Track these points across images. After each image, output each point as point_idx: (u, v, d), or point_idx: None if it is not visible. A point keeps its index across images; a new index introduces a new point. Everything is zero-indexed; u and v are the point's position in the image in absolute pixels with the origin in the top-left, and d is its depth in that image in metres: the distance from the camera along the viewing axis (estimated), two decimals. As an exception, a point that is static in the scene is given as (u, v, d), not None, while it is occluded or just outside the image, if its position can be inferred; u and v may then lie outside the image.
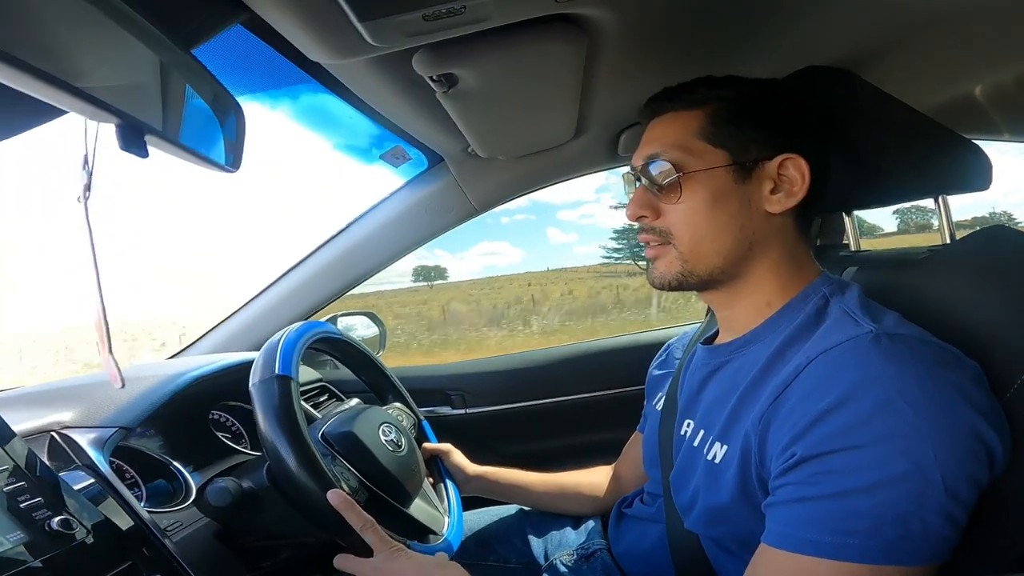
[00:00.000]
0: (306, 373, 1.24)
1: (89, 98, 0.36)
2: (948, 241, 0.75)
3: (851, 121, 0.73)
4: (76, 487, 0.62)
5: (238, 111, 0.56)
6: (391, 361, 1.17)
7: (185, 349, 1.32)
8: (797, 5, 0.72)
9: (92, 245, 0.44)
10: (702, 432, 0.65)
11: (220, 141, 0.55)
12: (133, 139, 0.41)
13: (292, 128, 0.96)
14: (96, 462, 0.68)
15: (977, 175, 0.73)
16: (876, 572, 0.46)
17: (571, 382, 1.39)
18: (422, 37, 0.57)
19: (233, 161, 0.57)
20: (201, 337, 1.31)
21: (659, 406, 0.82)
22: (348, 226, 1.27)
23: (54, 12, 0.34)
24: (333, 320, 1.42)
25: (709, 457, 0.61)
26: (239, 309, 1.31)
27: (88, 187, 0.43)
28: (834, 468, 0.48)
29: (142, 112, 0.41)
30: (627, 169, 0.73)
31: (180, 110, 0.46)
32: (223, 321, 1.31)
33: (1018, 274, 0.56)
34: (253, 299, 1.31)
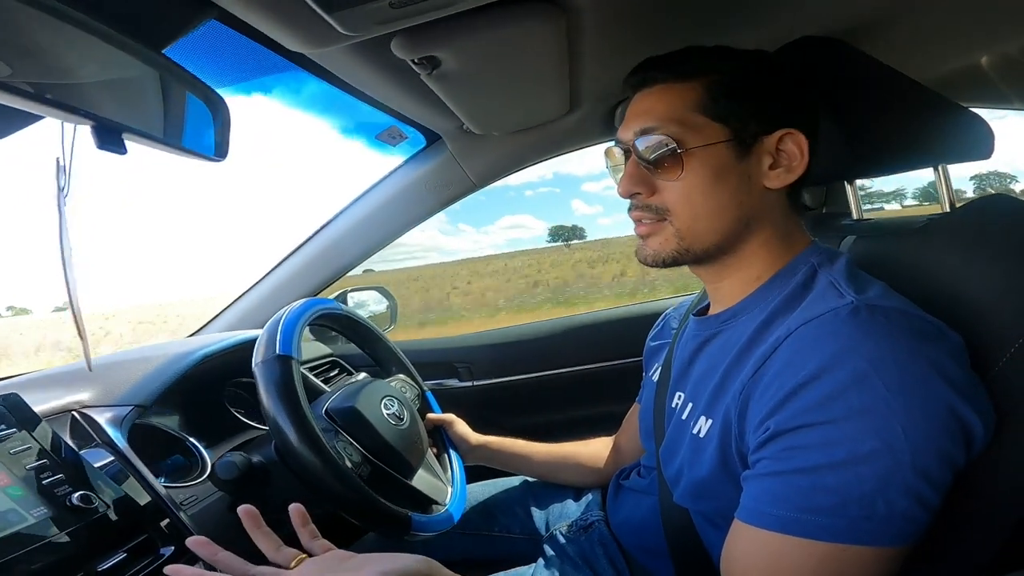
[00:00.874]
0: (316, 349, 1.28)
1: (59, 103, 0.38)
2: (948, 210, 0.74)
3: (846, 91, 0.71)
4: (97, 464, 0.65)
5: (219, 103, 0.58)
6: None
7: (202, 328, 1.37)
8: None
9: (62, 240, 0.47)
10: (690, 405, 0.65)
11: (202, 132, 0.57)
12: (109, 138, 0.43)
13: (285, 115, 0.97)
14: (114, 439, 0.71)
15: (978, 144, 0.71)
16: (841, 551, 0.46)
17: (577, 353, 1.40)
18: (394, 23, 0.57)
19: (218, 151, 0.59)
20: (217, 316, 1.37)
21: (655, 377, 0.82)
22: (351, 204, 1.29)
23: (19, 24, 0.36)
24: (343, 296, 1.45)
25: (695, 431, 0.61)
26: (251, 288, 1.36)
27: (65, 187, 0.45)
28: (805, 443, 0.47)
29: (115, 112, 0.43)
30: (611, 144, 0.70)
31: (156, 107, 0.48)
32: (236, 299, 1.36)
33: (1014, 244, 0.55)
34: (264, 277, 1.35)
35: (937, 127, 0.70)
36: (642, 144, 0.61)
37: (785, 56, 0.75)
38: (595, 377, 1.39)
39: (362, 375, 1.07)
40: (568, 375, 1.40)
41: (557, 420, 1.42)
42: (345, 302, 1.46)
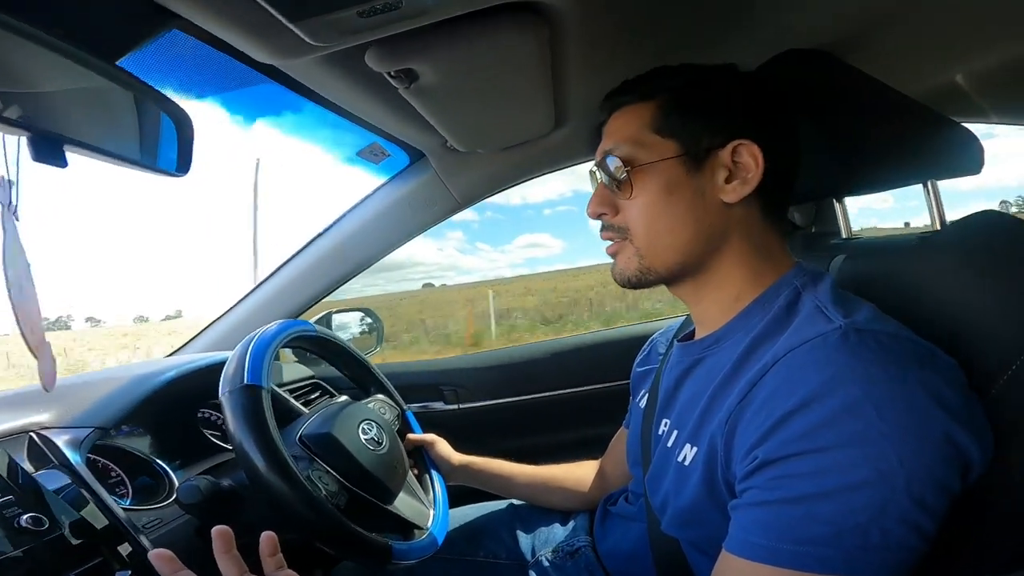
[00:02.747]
0: (298, 371, 1.25)
1: None
2: (939, 227, 0.72)
3: (834, 105, 0.71)
4: (53, 486, 0.64)
5: (181, 115, 0.55)
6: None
7: (181, 348, 1.34)
8: None
9: (12, 258, 0.44)
10: (676, 432, 0.64)
11: (162, 146, 0.54)
12: (47, 150, 0.40)
13: (261, 129, 0.95)
14: (72, 461, 0.70)
15: (967, 159, 0.71)
16: None
17: (564, 376, 1.39)
18: (365, 34, 0.56)
19: (180, 166, 0.57)
20: (195, 336, 1.33)
21: (642, 404, 0.80)
22: (335, 223, 1.27)
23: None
24: (328, 316, 1.43)
25: (679, 459, 0.60)
26: (231, 308, 1.33)
27: (16, 203, 0.42)
28: (796, 472, 0.46)
29: (56, 123, 0.40)
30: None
31: (108, 119, 0.45)
32: (216, 320, 1.33)
33: (1009, 262, 0.53)
34: (244, 298, 1.32)
35: (926, 142, 0.70)
36: (606, 165, 0.62)
37: (771, 69, 0.75)
38: (581, 400, 1.38)
39: (343, 397, 1.05)
40: (554, 398, 1.39)
41: (544, 443, 1.41)
42: (330, 323, 1.44)
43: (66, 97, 0.41)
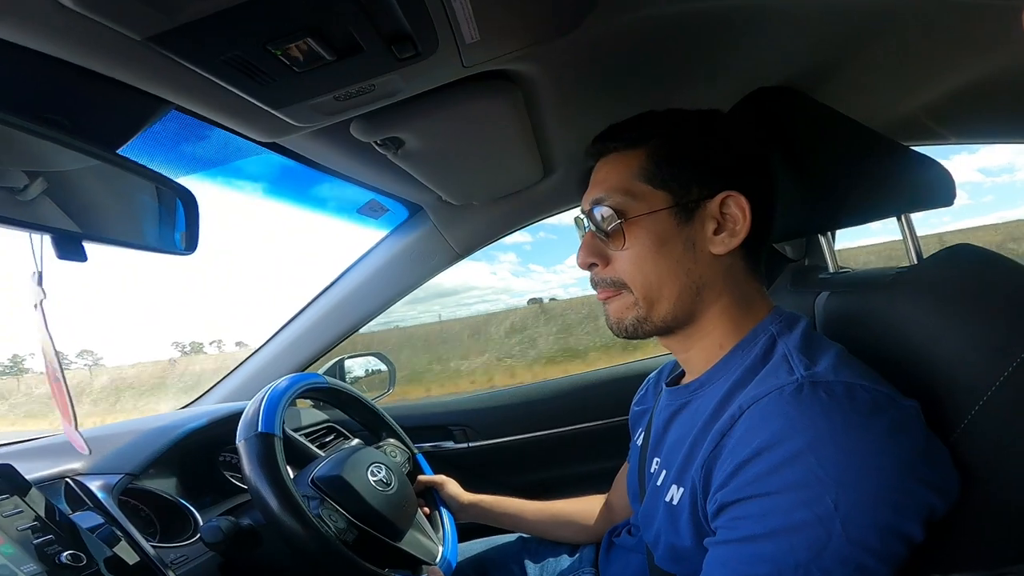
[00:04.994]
0: (313, 415, 1.31)
1: (11, 220, 0.40)
2: (915, 261, 0.73)
3: (806, 142, 0.72)
4: (88, 526, 0.69)
5: (185, 195, 0.59)
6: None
7: (199, 398, 1.39)
8: (738, 28, 0.72)
9: (52, 342, 0.48)
10: (664, 472, 0.65)
11: (168, 227, 0.58)
12: (69, 247, 0.44)
13: (261, 197, 1.00)
14: (105, 504, 0.75)
15: (939, 191, 0.71)
16: None
17: (569, 413, 1.40)
18: (344, 113, 0.60)
19: (187, 244, 0.61)
20: (211, 388, 1.38)
21: (639, 442, 0.82)
22: (340, 278, 1.32)
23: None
24: (340, 363, 1.47)
25: (667, 498, 0.61)
26: (244, 361, 1.37)
27: (44, 295, 0.46)
28: (747, 513, 0.49)
29: (72, 222, 0.44)
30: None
31: (115, 208, 0.50)
32: (230, 373, 1.38)
33: (978, 296, 0.54)
34: (256, 352, 1.37)
35: (898, 176, 0.70)
36: (595, 215, 0.62)
37: (743, 109, 0.76)
38: (588, 436, 1.39)
39: (356, 440, 1.11)
40: (560, 435, 1.40)
41: (553, 478, 1.42)
42: (342, 369, 1.48)
43: (80, 195, 0.45)
